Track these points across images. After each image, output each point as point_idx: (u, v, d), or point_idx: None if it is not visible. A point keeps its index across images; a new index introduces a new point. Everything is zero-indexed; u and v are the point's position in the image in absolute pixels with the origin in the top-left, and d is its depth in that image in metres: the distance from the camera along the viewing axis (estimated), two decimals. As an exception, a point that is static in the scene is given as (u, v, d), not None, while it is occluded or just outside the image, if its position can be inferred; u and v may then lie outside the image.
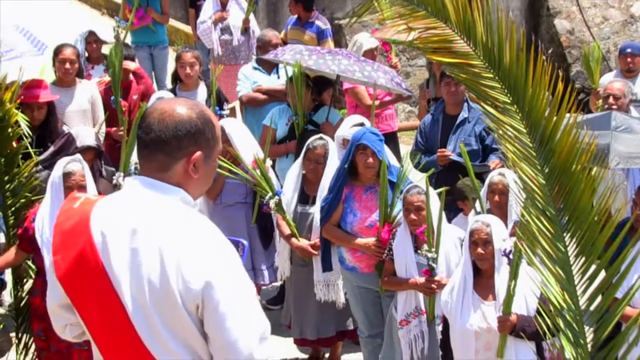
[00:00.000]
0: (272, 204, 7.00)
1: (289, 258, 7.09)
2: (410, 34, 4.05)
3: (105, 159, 7.29)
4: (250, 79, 9.17)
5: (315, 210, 6.84)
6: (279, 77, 9.14)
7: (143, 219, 2.97)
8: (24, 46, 8.88)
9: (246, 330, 2.93)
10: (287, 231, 6.99)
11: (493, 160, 7.42)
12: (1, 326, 6.64)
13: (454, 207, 7.00)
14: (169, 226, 2.95)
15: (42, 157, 7.06)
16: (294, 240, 6.94)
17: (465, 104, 7.69)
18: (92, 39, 9.54)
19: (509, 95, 3.91)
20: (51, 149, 7.17)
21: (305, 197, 7.03)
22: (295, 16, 10.85)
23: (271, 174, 7.32)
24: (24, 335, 6.53)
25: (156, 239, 2.93)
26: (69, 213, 3.09)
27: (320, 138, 6.99)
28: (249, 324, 2.94)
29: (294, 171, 7.10)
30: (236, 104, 9.58)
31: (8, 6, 9.05)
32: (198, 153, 3.00)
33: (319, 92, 8.27)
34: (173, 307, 2.90)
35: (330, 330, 7.04)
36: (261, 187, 7.10)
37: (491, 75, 3.94)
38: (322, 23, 10.70)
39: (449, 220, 6.60)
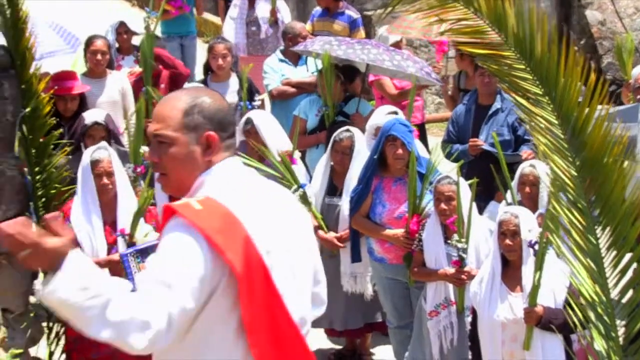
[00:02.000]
0: (296, 196, 6.98)
1: (316, 249, 7.08)
2: (442, 26, 4.04)
3: (117, 139, 7.18)
4: (277, 72, 9.13)
5: (342, 202, 6.85)
6: (307, 70, 9.13)
7: (285, 199, 3.30)
8: (55, 44, 8.91)
9: None
10: (313, 223, 6.98)
11: (525, 151, 7.39)
12: (32, 314, 6.67)
13: (484, 197, 6.98)
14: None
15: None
16: (320, 232, 6.94)
17: (499, 95, 7.64)
18: (122, 30, 9.56)
19: (540, 86, 3.89)
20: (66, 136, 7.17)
21: (334, 188, 7.03)
22: (320, 8, 10.77)
23: (301, 165, 7.30)
24: (55, 325, 6.57)
25: (297, 212, 3.32)
26: (205, 213, 2.99)
27: (347, 130, 6.98)
28: None
29: (322, 162, 7.10)
30: (264, 96, 9.55)
31: (39, 5, 9.09)
32: None
33: (351, 81, 8.25)
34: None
35: (358, 322, 7.05)
36: (285, 180, 7.08)
37: (523, 67, 3.92)
38: (353, 12, 10.58)
39: (480, 210, 6.58)
